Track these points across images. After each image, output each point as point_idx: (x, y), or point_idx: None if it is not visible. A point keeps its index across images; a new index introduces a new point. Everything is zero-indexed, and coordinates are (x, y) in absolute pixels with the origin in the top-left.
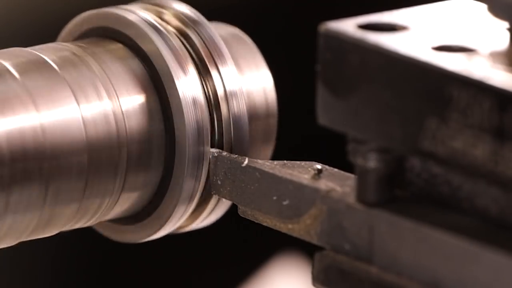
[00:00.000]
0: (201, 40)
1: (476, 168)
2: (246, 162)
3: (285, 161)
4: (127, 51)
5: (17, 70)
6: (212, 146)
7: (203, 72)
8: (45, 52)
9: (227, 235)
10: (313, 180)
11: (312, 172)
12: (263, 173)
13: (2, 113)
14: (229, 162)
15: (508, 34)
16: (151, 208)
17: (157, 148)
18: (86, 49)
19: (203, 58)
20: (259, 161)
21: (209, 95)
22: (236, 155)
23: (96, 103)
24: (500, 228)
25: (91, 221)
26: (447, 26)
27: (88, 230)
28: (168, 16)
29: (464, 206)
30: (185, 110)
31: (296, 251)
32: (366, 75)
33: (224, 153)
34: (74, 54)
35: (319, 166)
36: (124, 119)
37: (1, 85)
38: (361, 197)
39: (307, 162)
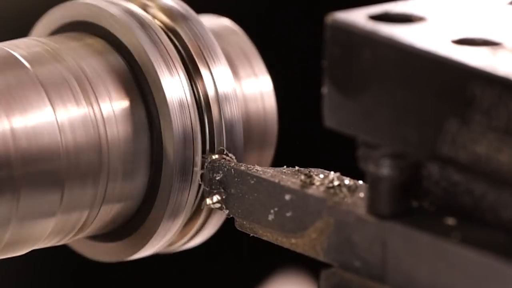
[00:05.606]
0: (190, 36)
1: (502, 175)
2: (242, 169)
3: (286, 168)
4: (108, 48)
5: None
6: (203, 153)
7: (193, 72)
8: (16, 48)
9: (222, 251)
10: (319, 189)
11: (318, 180)
12: (262, 181)
13: None
14: (223, 169)
15: None
16: (135, 223)
17: (142, 156)
18: (62, 45)
19: (193, 56)
20: (258, 168)
21: (199, 97)
22: (232, 162)
23: (73, 106)
24: None
25: (68, 237)
26: (469, 17)
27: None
28: (154, 9)
29: (488, 218)
30: (172, 114)
31: (299, 268)
32: (379, 72)
33: (218, 160)
34: (49, 50)
35: (325, 174)
36: (104, 124)
37: None
38: (372, 208)
39: (312, 169)
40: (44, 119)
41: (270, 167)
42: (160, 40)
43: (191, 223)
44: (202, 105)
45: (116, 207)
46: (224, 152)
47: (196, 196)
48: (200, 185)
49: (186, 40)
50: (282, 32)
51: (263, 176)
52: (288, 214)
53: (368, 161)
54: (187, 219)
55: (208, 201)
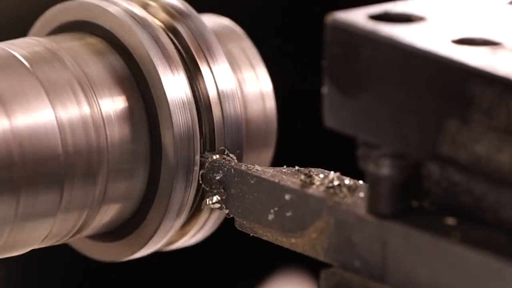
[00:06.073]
0: (191, 35)
1: (502, 175)
2: (243, 169)
3: (286, 168)
4: (108, 47)
5: None
6: (203, 152)
7: (193, 71)
8: (16, 48)
9: (222, 251)
10: (319, 189)
11: (318, 180)
12: (262, 181)
13: None
14: (223, 169)
15: None
16: (135, 223)
17: (142, 156)
18: (61, 45)
19: (193, 55)
20: (258, 167)
21: (199, 96)
22: (232, 162)
23: (73, 106)
24: None
25: (68, 237)
26: (469, 17)
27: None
28: (154, 8)
29: (488, 218)
30: (172, 114)
31: (299, 268)
32: (379, 71)
33: (218, 160)
34: (48, 50)
35: (325, 174)
36: (104, 124)
37: None
38: (373, 208)
39: (312, 169)
40: (44, 119)
41: (270, 167)
42: (161, 40)
43: (191, 222)
44: (202, 104)
45: (116, 207)
46: (225, 153)
47: (196, 196)
48: (200, 184)
49: (186, 39)
50: (282, 32)
51: (263, 176)
52: (288, 214)
53: (368, 161)
54: (187, 218)
55: (208, 201)
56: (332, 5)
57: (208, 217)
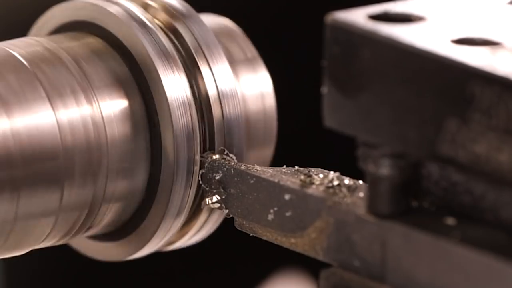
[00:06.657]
0: (190, 35)
1: (501, 175)
2: (242, 169)
3: (286, 168)
4: (108, 47)
5: None
6: (203, 152)
7: (193, 71)
8: (16, 48)
9: (222, 251)
10: (319, 189)
11: (318, 180)
12: (262, 181)
13: None
14: (223, 169)
15: None
16: (135, 223)
17: (142, 156)
18: (61, 45)
19: (193, 55)
20: (257, 167)
21: (199, 96)
22: (231, 162)
23: (73, 106)
24: None
25: (68, 237)
26: (468, 17)
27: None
28: (154, 8)
29: (487, 218)
30: (172, 114)
31: (299, 268)
32: (379, 71)
33: (218, 160)
34: (48, 50)
35: (325, 173)
36: (104, 124)
37: None
38: (372, 208)
39: (312, 169)
40: (44, 118)
41: (270, 167)
42: (161, 40)
43: (191, 222)
44: (202, 104)
45: (115, 207)
46: (225, 152)
47: (196, 196)
48: (200, 184)
49: (186, 39)
50: (282, 31)
51: (262, 175)
52: (288, 214)
53: (367, 160)
54: (187, 218)
55: (208, 200)
56: (332, 5)
57: (208, 217)
